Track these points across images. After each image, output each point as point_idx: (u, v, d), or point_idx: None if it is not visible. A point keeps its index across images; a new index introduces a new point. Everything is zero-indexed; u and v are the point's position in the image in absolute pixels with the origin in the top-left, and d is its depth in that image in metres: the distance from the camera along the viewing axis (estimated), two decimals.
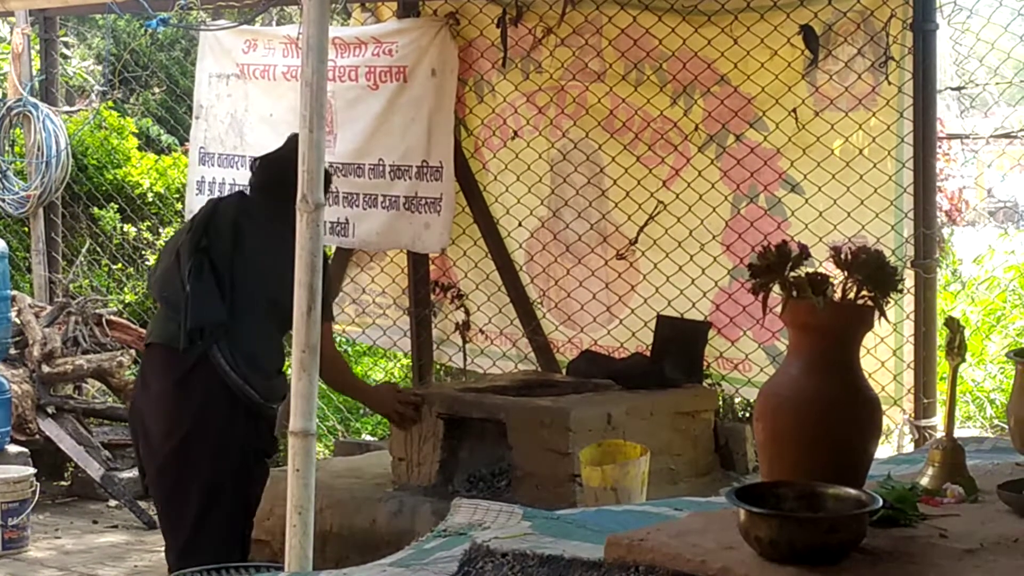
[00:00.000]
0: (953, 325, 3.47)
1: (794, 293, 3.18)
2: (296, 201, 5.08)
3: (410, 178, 7.92)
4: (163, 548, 7.41)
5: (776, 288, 3.23)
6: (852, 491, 2.97)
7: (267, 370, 5.92)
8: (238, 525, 6.02)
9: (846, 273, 3.21)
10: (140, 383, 6.17)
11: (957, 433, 3.56)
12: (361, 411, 10.47)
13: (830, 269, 3.32)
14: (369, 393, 6.91)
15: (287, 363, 5.84)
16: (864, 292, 3.20)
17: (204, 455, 5.85)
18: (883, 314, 3.22)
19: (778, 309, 3.25)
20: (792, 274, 3.19)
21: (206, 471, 5.85)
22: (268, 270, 5.86)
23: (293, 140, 6.13)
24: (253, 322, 5.86)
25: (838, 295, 3.21)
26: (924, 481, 3.44)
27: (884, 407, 3.49)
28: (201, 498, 5.88)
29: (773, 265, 3.19)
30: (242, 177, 8.70)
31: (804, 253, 3.21)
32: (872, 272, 3.19)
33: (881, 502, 2.93)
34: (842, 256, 3.22)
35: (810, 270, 3.23)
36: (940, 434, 4.91)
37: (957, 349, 3.45)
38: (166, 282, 6.02)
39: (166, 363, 5.91)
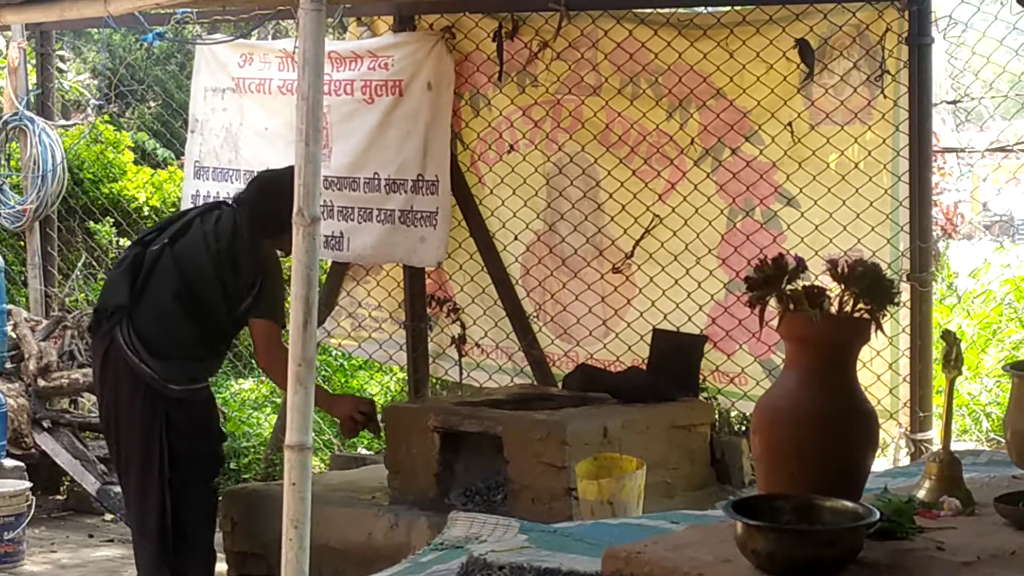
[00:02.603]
0: (950, 338, 3.48)
1: (791, 306, 3.19)
2: (266, 227, 6.20)
3: (406, 192, 7.91)
4: None
5: (773, 301, 3.23)
6: (849, 504, 2.97)
7: (165, 353, 6.27)
8: (151, 502, 6.30)
9: (843, 286, 3.21)
10: None
11: (953, 446, 3.56)
12: None
13: (826, 282, 3.32)
14: (327, 397, 7.04)
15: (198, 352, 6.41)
16: (861, 305, 3.21)
17: (119, 433, 6.40)
18: (879, 327, 3.23)
19: (774, 322, 3.26)
20: (789, 287, 3.20)
21: (121, 445, 6.41)
22: (192, 260, 6.37)
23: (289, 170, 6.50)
24: (156, 308, 6.31)
25: (835, 308, 3.21)
26: (921, 494, 3.44)
27: (880, 421, 3.49)
28: (119, 472, 6.55)
29: (770, 278, 3.20)
30: (237, 191, 8.71)
31: (801, 266, 3.22)
32: (869, 285, 3.20)
33: (878, 515, 2.93)
34: (839, 269, 3.22)
35: (806, 283, 3.23)
36: (936, 447, 4.92)
37: (954, 362, 3.45)
38: None
39: (93, 347, 6.71)
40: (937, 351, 6.84)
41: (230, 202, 6.71)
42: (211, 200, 8.80)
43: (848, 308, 3.20)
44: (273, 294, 6.39)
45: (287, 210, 5.38)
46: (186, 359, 6.33)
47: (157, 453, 6.26)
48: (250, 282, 6.32)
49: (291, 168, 6.57)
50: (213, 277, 6.35)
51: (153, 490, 6.28)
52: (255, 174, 6.98)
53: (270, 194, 6.37)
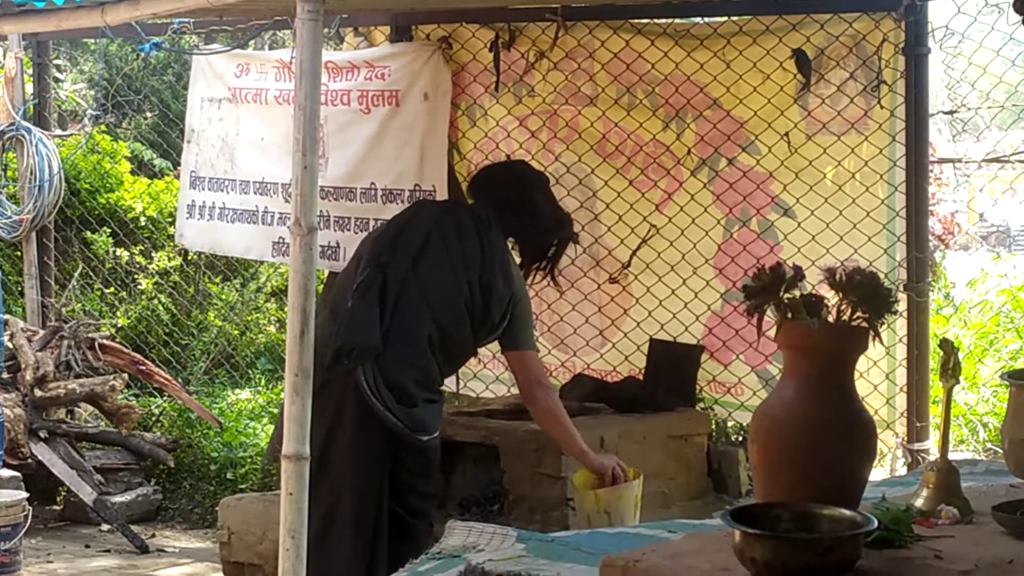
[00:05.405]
0: (947, 348, 3.48)
1: (788, 314, 3.19)
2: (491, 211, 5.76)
3: (402, 202, 7.90)
4: (154, 573, 7.37)
5: (770, 311, 3.23)
6: (847, 512, 2.97)
7: (412, 399, 5.54)
8: (362, 551, 5.54)
9: (840, 294, 3.22)
10: None
11: (950, 456, 3.57)
12: None
13: (824, 292, 3.33)
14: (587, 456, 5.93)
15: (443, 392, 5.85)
16: (859, 314, 3.21)
17: (332, 478, 5.53)
18: (877, 335, 3.23)
19: (771, 332, 3.26)
20: (786, 296, 3.20)
21: (333, 495, 5.55)
22: (440, 293, 5.65)
23: (519, 164, 6.46)
24: (409, 350, 5.57)
25: (832, 317, 3.21)
26: (919, 503, 3.44)
27: (877, 430, 3.49)
28: (323, 516, 5.49)
29: (767, 287, 3.20)
30: (232, 201, 8.71)
31: (798, 275, 3.22)
32: (867, 293, 3.20)
33: (876, 523, 2.93)
34: (837, 277, 3.22)
35: (804, 292, 3.23)
36: (933, 457, 4.91)
37: (951, 371, 3.45)
38: (341, 284, 5.83)
39: (322, 384, 5.33)
40: (934, 361, 6.83)
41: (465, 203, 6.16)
42: (211, 211, 8.85)
43: (846, 317, 3.21)
44: (525, 321, 5.81)
45: (538, 217, 5.20)
46: (431, 403, 5.66)
47: (377, 486, 5.54)
48: (503, 312, 5.72)
49: (518, 164, 6.55)
50: (462, 310, 5.67)
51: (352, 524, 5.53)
52: (488, 168, 6.36)
53: (517, 197, 5.89)
